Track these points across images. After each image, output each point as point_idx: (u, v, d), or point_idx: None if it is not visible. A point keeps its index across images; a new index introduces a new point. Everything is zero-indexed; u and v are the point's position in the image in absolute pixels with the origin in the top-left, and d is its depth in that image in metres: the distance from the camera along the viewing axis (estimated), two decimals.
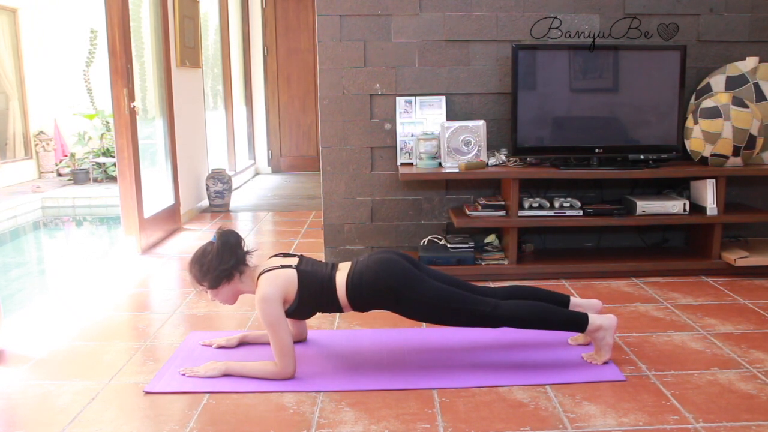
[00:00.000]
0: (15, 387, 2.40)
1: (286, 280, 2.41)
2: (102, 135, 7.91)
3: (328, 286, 2.44)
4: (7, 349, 2.74)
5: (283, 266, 2.45)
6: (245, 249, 2.52)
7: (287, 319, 2.43)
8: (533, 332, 2.82)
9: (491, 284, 3.51)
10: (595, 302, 2.69)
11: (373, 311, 2.55)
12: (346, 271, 2.47)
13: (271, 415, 2.17)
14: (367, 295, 2.44)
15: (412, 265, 2.49)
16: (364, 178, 3.85)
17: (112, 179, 7.40)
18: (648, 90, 3.64)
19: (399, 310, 2.46)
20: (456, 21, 3.71)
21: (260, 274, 2.45)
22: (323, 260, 3.92)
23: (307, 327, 2.81)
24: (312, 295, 2.44)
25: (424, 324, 2.97)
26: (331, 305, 2.48)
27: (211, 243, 2.48)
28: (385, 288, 2.41)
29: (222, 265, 2.43)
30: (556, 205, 3.60)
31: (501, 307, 2.44)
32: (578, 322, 2.47)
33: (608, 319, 2.49)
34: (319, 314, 2.62)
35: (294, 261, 2.50)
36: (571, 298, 2.68)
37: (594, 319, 2.47)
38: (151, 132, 4.99)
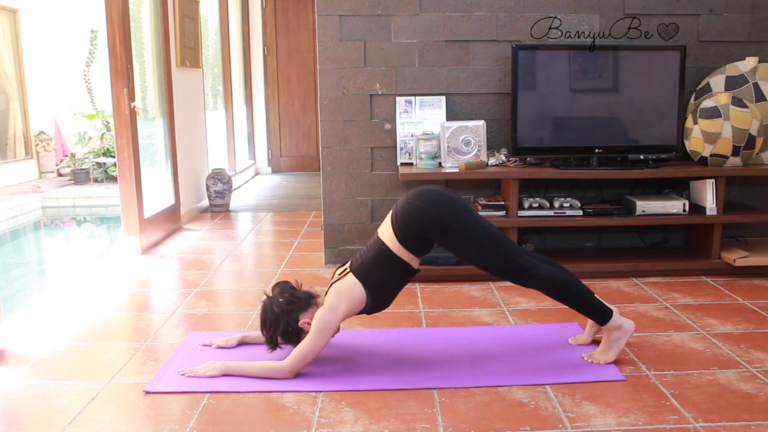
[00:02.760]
0: (15, 387, 2.40)
1: (350, 287, 2.42)
2: (102, 135, 7.91)
3: (383, 253, 2.42)
4: (7, 349, 2.74)
5: (340, 276, 2.48)
6: (299, 288, 2.54)
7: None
8: (532, 332, 2.83)
9: (491, 284, 3.52)
10: (616, 309, 2.66)
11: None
12: (389, 223, 2.45)
13: (271, 415, 2.17)
14: (417, 232, 2.39)
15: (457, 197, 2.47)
16: (364, 178, 3.85)
17: (113, 179, 7.40)
18: (648, 90, 3.64)
19: (446, 242, 2.42)
20: (456, 21, 3.71)
21: (327, 291, 2.48)
22: (323, 262, 3.94)
23: None
24: (379, 277, 2.43)
25: (424, 324, 2.98)
26: (399, 270, 2.44)
27: (267, 305, 2.50)
28: (433, 218, 2.37)
29: (291, 322, 2.44)
30: (556, 205, 3.60)
31: (540, 268, 2.43)
32: (604, 312, 2.48)
33: (628, 323, 2.50)
34: None
35: (347, 265, 2.51)
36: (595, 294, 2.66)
37: (617, 317, 2.49)
38: (151, 132, 4.99)
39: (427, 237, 2.44)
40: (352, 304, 2.42)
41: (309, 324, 2.45)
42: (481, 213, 3.58)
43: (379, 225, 3.82)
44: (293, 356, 2.38)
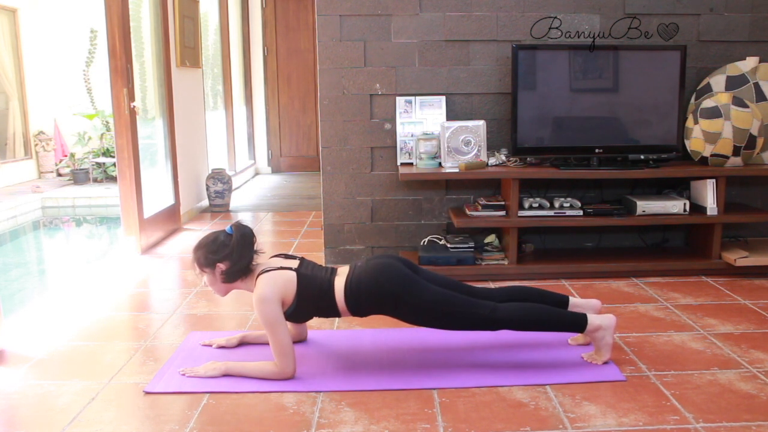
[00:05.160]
0: (15, 387, 2.40)
1: (285, 281, 2.41)
2: (102, 135, 7.91)
3: (326, 291, 2.44)
4: (7, 349, 2.74)
5: (282, 267, 2.45)
6: (255, 249, 2.51)
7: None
8: (533, 332, 2.83)
9: (491, 284, 3.52)
10: (594, 302, 2.69)
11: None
12: (345, 277, 2.47)
13: (271, 415, 2.17)
14: (365, 300, 2.44)
15: (410, 270, 2.49)
16: (364, 178, 3.85)
17: (112, 179, 7.40)
18: (648, 90, 3.63)
19: (398, 315, 2.46)
20: (456, 21, 3.71)
21: (259, 274, 2.45)
22: (323, 262, 3.94)
23: (307, 327, 2.81)
24: (310, 299, 2.44)
25: None
26: (329, 310, 2.48)
27: (225, 233, 2.47)
28: (384, 293, 2.41)
29: (242, 260, 2.43)
30: (556, 205, 3.60)
31: (499, 310, 2.44)
32: (577, 323, 2.47)
33: (607, 319, 2.49)
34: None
35: (294, 263, 2.49)
36: (570, 298, 2.68)
37: (593, 319, 2.47)
38: (151, 132, 4.98)
39: (376, 309, 2.46)
40: (283, 297, 2.40)
41: (218, 286, 2.46)
42: (480, 213, 3.59)
43: (379, 225, 3.86)
44: (276, 356, 2.38)
